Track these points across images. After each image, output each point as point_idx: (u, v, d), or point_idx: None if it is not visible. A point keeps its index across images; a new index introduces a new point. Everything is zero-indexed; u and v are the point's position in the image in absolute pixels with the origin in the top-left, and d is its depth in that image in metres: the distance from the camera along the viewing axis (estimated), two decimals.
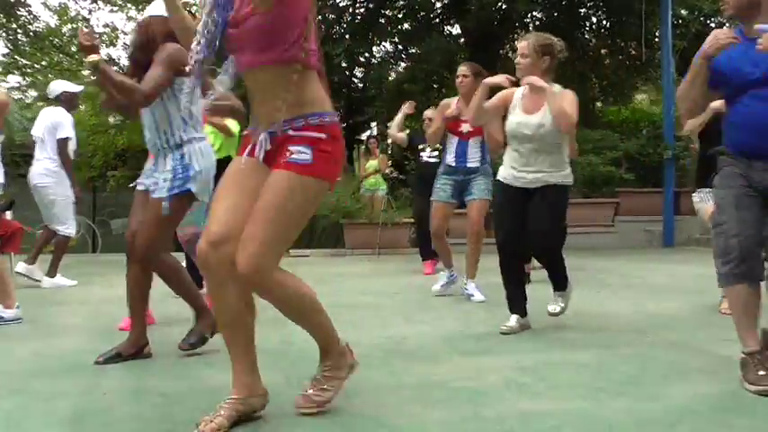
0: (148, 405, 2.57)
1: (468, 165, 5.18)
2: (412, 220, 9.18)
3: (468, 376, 2.96)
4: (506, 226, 3.89)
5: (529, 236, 3.85)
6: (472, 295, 5.07)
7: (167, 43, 3.19)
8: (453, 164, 5.21)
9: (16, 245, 6.75)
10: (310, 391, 2.48)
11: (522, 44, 3.90)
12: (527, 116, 3.87)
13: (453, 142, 5.23)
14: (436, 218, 5.26)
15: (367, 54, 16.44)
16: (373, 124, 17.45)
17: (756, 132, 2.78)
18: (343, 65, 15.48)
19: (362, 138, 17.43)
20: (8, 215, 7.15)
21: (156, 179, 3.30)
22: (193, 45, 2.32)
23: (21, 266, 6.23)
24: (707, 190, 4.65)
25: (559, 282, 4.05)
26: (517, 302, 3.95)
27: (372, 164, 11.35)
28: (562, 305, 4.06)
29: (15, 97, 17.78)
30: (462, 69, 5.22)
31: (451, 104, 5.26)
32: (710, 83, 2.85)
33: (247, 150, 2.39)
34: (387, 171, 11.28)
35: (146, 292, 3.32)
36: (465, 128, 5.16)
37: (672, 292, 5.14)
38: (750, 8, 2.73)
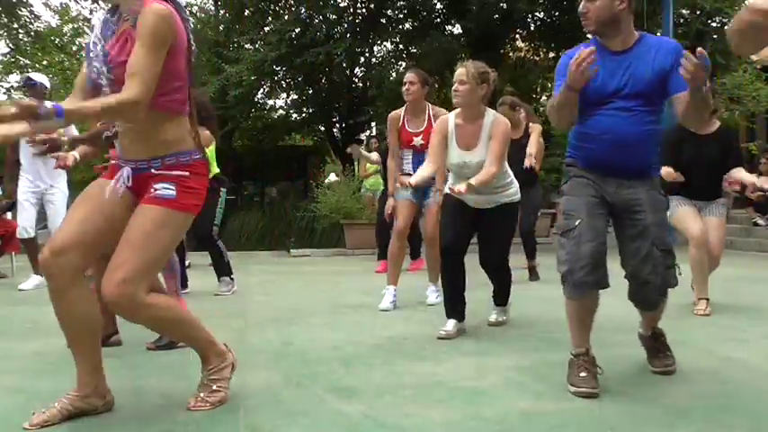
0: (148, 405, 2.57)
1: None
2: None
3: (468, 376, 2.96)
4: (451, 232, 3.90)
5: (482, 254, 4.01)
6: (428, 297, 5.07)
7: None
8: (411, 173, 4.93)
9: (17, 245, 6.74)
10: (202, 395, 2.55)
11: (460, 71, 3.88)
12: (466, 153, 3.88)
13: (409, 154, 5.08)
14: (401, 215, 5.03)
15: (368, 54, 16.45)
16: (373, 124, 17.46)
17: (615, 148, 2.78)
18: (344, 65, 15.50)
19: (362, 138, 17.45)
20: (9, 216, 7.16)
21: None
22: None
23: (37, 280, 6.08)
24: (680, 197, 4.84)
25: (503, 297, 4.20)
26: (454, 307, 3.95)
27: (372, 164, 11.35)
28: (504, 318, 4.21)
29: (16, 96, 17.78)
30: (409, 77, 5.02)
31: (400, 116, 5.10)
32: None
33: (114, 179, 2.52)
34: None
35: None
36: (418, 141, 4.99)
37: (672, 292, 5.12)
38: (612, 24, 2.78)
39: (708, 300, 4.69)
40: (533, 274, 6.45)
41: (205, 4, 20.66)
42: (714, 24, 13.62)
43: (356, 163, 12.05)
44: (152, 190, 2.42)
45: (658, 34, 12.63)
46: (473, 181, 3.62)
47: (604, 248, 2.77)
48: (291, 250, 10.03)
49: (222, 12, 18.79)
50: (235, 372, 2.68)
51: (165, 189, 2.42)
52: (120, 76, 2.30)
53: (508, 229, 4.06)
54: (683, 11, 13.14)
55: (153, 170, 2.45)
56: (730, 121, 12.18)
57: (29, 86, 6.01)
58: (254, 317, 4.55)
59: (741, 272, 6.86)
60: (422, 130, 4.96)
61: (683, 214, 4.82)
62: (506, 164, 3.98)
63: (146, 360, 3.28)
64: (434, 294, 5.10)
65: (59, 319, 2.43)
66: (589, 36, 2.94)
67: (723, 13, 12.88)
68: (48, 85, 6.13)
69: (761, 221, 10.37)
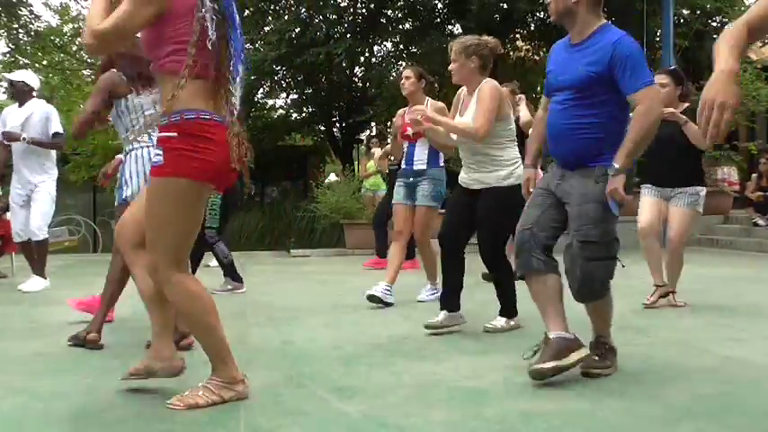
0: (148, 405, 2.57)
1: (415, 167, 5.09)
2: None
3: (469, 376, 2.96)
4: (447, 221, 4.00)
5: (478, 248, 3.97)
6: (420, 294, 5.16)
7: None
8: (404, 166, 5.17)
9: (16, 245, 6.73)
10: (186, 393, 2.53)
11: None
12: (459, 119, 3.98)
13: (404, 146, 5.18)
14: (397, 219, 5.16)
15: (368, 54, 16.43)
16: (373, 124, 17.45)
17: (551, 139, 3.01)
18: (344, 65, 15.49)
19: (362, 138, 17.45)
20: (8, 216, 7.15)
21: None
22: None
23: (40, 283, 6.06)
24: (646, 186, 4.88)
25: (505, 305, 4.04)
26: (446, 298, 3.98)
27: (372, 164, 11.37)
28: (502, 326, 3.98)
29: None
30: (405, 72, 5.17)
31: (404, 111, 5.16)
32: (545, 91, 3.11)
33: None
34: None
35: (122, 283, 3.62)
36: (410, 130, 5.00)
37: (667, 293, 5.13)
38: (567, 15, 2.91)
39: (660, 286, 4.71)
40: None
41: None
42: (714, 24, 13.62)
43: (356, 163, 12.06)
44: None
45: (658, 34, 12.63)
46: (436, 116, 3.88)
47: (528, 233, 2.90)
48: (291, 250, 10.03)
49: None
50: (234, 399, 2.57)
51: (156, 156, 2.41)
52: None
53: (496, 216, 3.82)
54: (683, 11, 13.14)
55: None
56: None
57: (10, 86, 6.07)
58: (254, 317, 4.55)
59: (741, 272, 6.86)
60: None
61: (642, 204, 4.86)
62: (505, 143, 3.94)
63: None
64: (427, 292, 5.15)
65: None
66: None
67: (723, 13, 12.88)
68: (33, 83, 6.09)
69: (761, 221, 10.37)
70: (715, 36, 13.41)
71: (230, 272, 5.71)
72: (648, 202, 4.80)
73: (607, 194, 2.78)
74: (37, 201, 6.04)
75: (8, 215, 7.13)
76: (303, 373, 3.02)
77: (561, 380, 2.87)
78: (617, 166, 2.77)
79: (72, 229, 11.78)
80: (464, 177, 4.01)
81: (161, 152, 2.38)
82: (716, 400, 2.58)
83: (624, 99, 2.82)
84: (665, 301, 4.72)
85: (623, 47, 2.78)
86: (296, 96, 17.98)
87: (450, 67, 4.00)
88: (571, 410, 2.48)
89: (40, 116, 5.95)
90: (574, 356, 2.81)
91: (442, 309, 3.94)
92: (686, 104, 4.71)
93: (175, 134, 2.37)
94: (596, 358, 2.95)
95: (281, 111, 19.85)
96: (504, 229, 3.93)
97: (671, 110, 4.45)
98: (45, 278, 6.10)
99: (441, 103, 5.02)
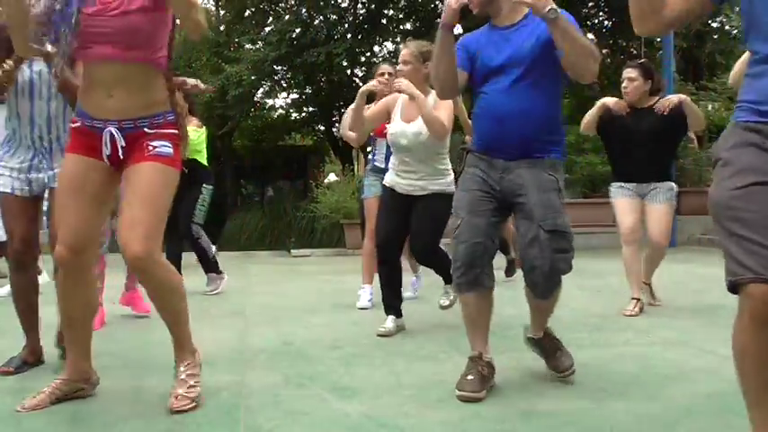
0: (148, 405, 2.57)
1: (376, 163, 5.09)
2: None
3: None
4: (384, 229, 3.97)
5: (411, 243, 4.01)
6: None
7: None
8: (381, 165, 4.98)
9: None
10: (180, 391, 2.52)
11: (404, 51, 3.98)
12: (405, 125, 3.89)
13: (382, 144, 5.05)
14: (371, 215, 4.90)
15: (368, 54, 16.43)
16: None
17: (496, 124, 2.71)
18: (344, 64, 15.49)
19: None
20: None
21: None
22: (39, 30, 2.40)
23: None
24: (617, 184, 4.69)
25: (445, 276, 4.10)
26: (391, 304, 4.02)
27: None
28: (451, 298, 4.19)
29: None
30: (384, 68, 5.01)
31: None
32: (466, 68, 2.82)
33: (77, 147, 2.50)
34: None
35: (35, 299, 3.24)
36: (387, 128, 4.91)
37: (672, 291, 5.15)
38: (490, 3, 2.82)
39: (638, 300, 4.51)
40: (509, 270, 6.13)
41: (205, 3, 20.66)
42: (714, 25, 13.63)
43: (356, 163, 12.06)
44: (149, 147, 2.44)
45: None
46: (413, 91, 3.66)
47: (480, 248, 2.69)
48: (291, 250, 10.03)
49: (223, 12, 18.79)
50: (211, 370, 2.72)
51: (164, 147, 2.46)
52: (131, 23, 2.36)
53: (438, 219, 3.79)
54: None
55: (146, 129, 2.47)
56: (730, 120, 12.19)
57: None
58: (254, 317, 4.55)
59: None
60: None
61: (618, 206, 4.63)
62: (447, 154, 4.00)
63: (146, 360, 3.28)
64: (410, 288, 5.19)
65: (65, 306, 2.55)
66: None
67: (723, 14, 12.89)
68: None
69: None
70: (715, 36, 13.47)
71: (213, 267, 5.67)
72: (626, 203, 4.59)
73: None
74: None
75: None
76: (303, 373, 3.02)
77: (561, 380, 2.87)
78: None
79: None
80: (401, 183, 3.94)
81: (170, 145, 2.48)
82: (716, 400, 2.58)
83: (559, 79, 2.75)
84: (645, 300, 4.65)
85: (567, 16, 2.66)
86: (296, 96, 17.98)
87: (399, 68, 3.97)
88: (571, 410, 2.48)
89: None
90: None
91: (388, 314, 3.99)
92: (656, 98, 4.54)
93: (176, 132, 2.54)
94: (567, 351, 2.91)
95: (281, 111, 19.87)
96: (442, 232, 3.91)
97: (667, 102, 4.37)
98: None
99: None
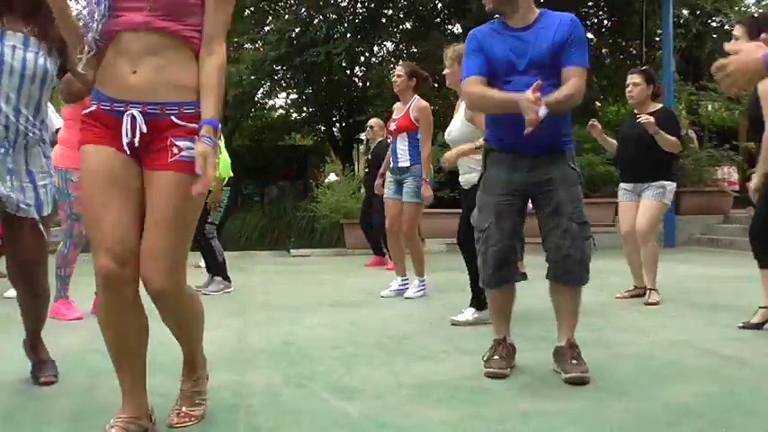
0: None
1: (399, 164, 5.21)
2: None
3: (468, 376, 2.95)
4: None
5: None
6: (408, 290, 5.24)
7: None
8: (392, 163, 5.35)
9: None
10: (184, 409, 2.36)
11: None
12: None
13: (392, 142, 5.39)
14: (387, 215, 5.36)
15: (368, 53, 16.44)
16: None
17: (518, 123, 2.74)
18: (344, 64, 15.51)
19: (362, 138, 17.44)
20: None
21: (17, 182, 2.62)
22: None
23: None
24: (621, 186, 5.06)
25: (477, 295, 4.12)
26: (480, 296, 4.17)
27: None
28: (468, 318, 4.19)
29: None
30: (397, 69, 5.38)
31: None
32: (484, 72, 2.89)
33: (92, 136, 2.10)
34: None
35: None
36: (392, 125, 5.32)
37: (672, 291, 5.14)
38: (508, 2, 2.90)
39: (637, 287, 4.99)
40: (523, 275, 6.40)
41: None
42: (714, 25, 13.63)
43: (356, 163, 12.06)
44: (174, 150, 2.03)
45: (658, 34, 12.64)
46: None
47: (509, 249, 2.91)
48: (291, 250, 10.03)
49: None
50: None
51: (189, 150, 2.03)
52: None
53: (464, 211, 4.10)
54: (683, 11, 13.15)
55: (174, 118, 2.05)
56: (730, 121, 12.18)
57: None
58: (253, 317, 4.55)
59: (741, 272, 6.84)
60: (398, 116, 5.27)
61: (620, 208, 5.08)
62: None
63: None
64: (415, 288, 5.23)
65: (114, 336, 2.14)
66: (496, 16, 3.02)
67: (722, 14, 12.89)
68: None
69: None
70: (714, 36, 13.46)
71: (222, 270, 5.68)
72: (626, 207, 4.99)
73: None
74: None
75: None
76: (303, 373, 3.02)
77: (561, 380, 2.87)
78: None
79: None
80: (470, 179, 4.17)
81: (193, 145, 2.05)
82: (716, 400, 2.58)
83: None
84: (641, 299, 4.88)
85: (580, 27, 2.90)
86: (296, 96, 18.00)
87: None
88: (571, 410, 2.48)
89: None
90: None
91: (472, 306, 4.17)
92: (659, 105, 4.94)
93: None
94: (574, 362, 2.89)
95: (281, 111, 19.87)
96: None
97: (646, 117, 4.65)
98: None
99: (424, 102, 5.26)
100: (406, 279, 5.40)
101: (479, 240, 2.96)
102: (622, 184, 5.03)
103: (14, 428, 2.34)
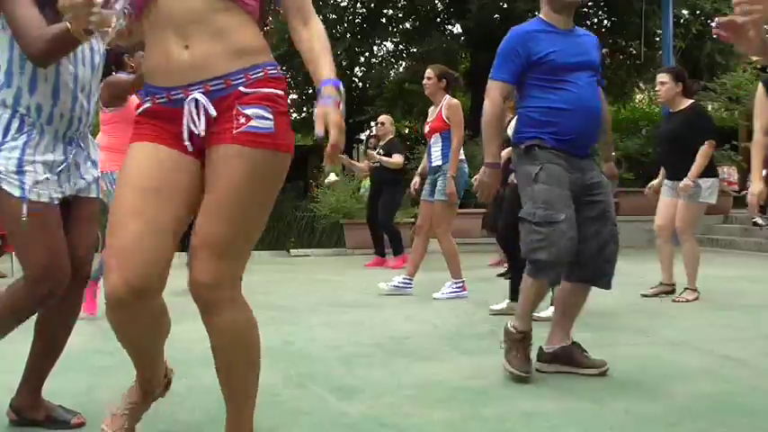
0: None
1: (432, 163, 5.32)
2: (412, 220, 9.23)
3: (469, 376, 2.96)
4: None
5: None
6: (440, 290, 5.22)
7: None
8: (427, 163, 5.47)
9: None
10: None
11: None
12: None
13: (428, 145, 5.46)
14: (420, 215, 5.48)
15: (368, 53, 16.43)
16: (373, 124, 17.43)
17: (586, 118, 2.90)
18: (344, 64, 15.49)
19: (362, 138, 17.44)
20: None
21: (88, 174, 2.31)
22: None
23: None
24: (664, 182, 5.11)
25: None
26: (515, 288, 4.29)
27: (363, 171, 11.38)
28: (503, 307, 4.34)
29: None
30: (427, 72, 5.44)
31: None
32: (515, 81, 2.97)
33: (146, 134, 1.76)
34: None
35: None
36: (427, 128, 5.44)
37: (672, 291, 5.14)
38: (572, 6, 3.01)
39: (664, 284, 5.12)
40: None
41: None
42: (713, 25, 13.61)
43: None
44: (240, 119, 1.68)
45: (658, 34, 12.64)
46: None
47: (573, 245, 2.84)
48: (291, 250, 10.02)
49: None
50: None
51: (260, 119, 1.69)
52: None
53: (507, 207, 4.42)
54: (683, 11, 13.15)
55: (242, 88, 1.71)
56: (730, 121, 12.18)
57: None
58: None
59: (741, 272, 6.86)
60: (431, 119, 5.37)
61: (659, 202, 5.15)
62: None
63: None
64: (447, 289, 5.20)
65: (131, 349, 1.96)
66: (537, 15, 3.11)
67: (722, 14, 12.87)
68: None
69: (761, 221, 10.35)
70: (714, 36, 13.44)
71: None
72: (664, 202, 5.07)
73: None
74: None
75: None
76: (303, 373, 3.02)
77: (561, 380, 2.87)
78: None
79: None
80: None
81: (270, 115, 1.72)
82: (716, 400, 2.58)
83: None
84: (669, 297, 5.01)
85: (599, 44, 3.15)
86: (296, 96, 17.97)
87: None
88: (571, 410, 2.48)
89: None
90: None
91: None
92: (690, 101, 4.95)
93: (282, 92, 1.81)
94: (587, 353, 3.02)
95: None
96: None
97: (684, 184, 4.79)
98: None
99: (455, 101, 5.34)
100: (410, 280, 5.39)
101: (543, 234, 2.81)
102: (666, 180, 5.09)
103: (14, 428, 2.34)
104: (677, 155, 4.88)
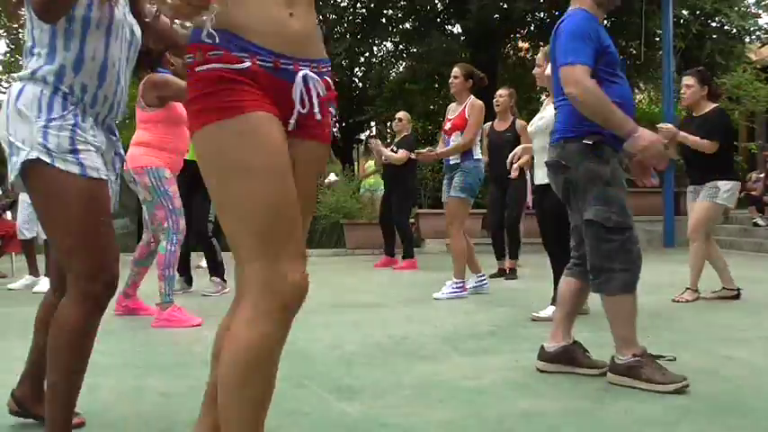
0: (148, 405, 2.57)
1: (451, 161, 5.34)
2: (412, 220, 9.24)
3: (468, 376, 2.95)
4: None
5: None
6: (441, 290, 5.21)
7: None
8: (444, 161, 5.48)
9: (17, 245, 6.74)
10: None
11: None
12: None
13: (445, 140, 5.47)
14: (446, 214, 5.41)
15: (368, 53, 16.44)
16: (373, 124, 17.45)
17: (632, 114, 2.76)
18: (344, 64, 15.50)
19: (362, 138, 17.46)
20: (8, 215, 7.16)
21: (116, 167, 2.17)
22: None
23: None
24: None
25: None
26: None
27: (372, 164, 11.40)
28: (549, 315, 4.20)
29: None
30: (454, 71, 5.47)
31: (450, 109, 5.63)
32: (593, 65, 2.72)
33: (256, 101, 1.43)
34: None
35: None
36: (447, 125, 5.45)
37: (672, 292, 5.14)
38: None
39: (691, 290, 5.01)
40: (512, 273, 6.51)
41: None
42: (713, 25, 13.63)
43: (356, 163, 12.06)
44: (329, 118, 1.57)
45: (658, 34, 12.63)
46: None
47: None
48: None
49: None
50: None
51: (331, 117, 1.61)
52: None
53: (546, 209, 4.39)
54: (683, 11, 13.15)
55: (328, 78, 1.57)
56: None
57: None
58: None
59: (741, 272, 6.84)
60: (453, 116, 5.42)
61: (689, 212, 5.08)
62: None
63: (146, 360, 3.28)
64: (448, 288, 5.16)
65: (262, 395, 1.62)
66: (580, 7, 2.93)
67: (722, 14, 12.88)
68: None
69: (761, 221, 10.36)
70: (714, 36, 13.46)
71: (222, 271, 5.66)
72: (690, 206, 5.04)
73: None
74: None
75: (8, 215, 7.15)
76: (303, 374, 3.02)
77: (561, 380, 2.87)
78: None
79: None
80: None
81: (333, 110, 1.65)
82: (716, 400, 2.58)
83: None
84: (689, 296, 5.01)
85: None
86: None
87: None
88: (571, 410, 2.48)
89: None
90: None
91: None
92: (714, 104, 4.92)
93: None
94: (588, 353, 3.05)
95: None
96: None
97: (672, 130, 4.77)
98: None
99: (479, 102, 5.37)
100: (461, 283, 5.25)
101: (618, 242, 2.73)
102: (689, 186, 5.09)
103: (14, 428, 2.34)
104: (699, 159, 4.83)
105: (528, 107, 12.87)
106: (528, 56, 15.78)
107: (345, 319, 4.40)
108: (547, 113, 4.28)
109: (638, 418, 2.38)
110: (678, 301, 4.86)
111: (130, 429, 2.33)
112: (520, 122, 6.41)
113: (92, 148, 1.94)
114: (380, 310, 4.77)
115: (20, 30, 17.53)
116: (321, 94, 1.51)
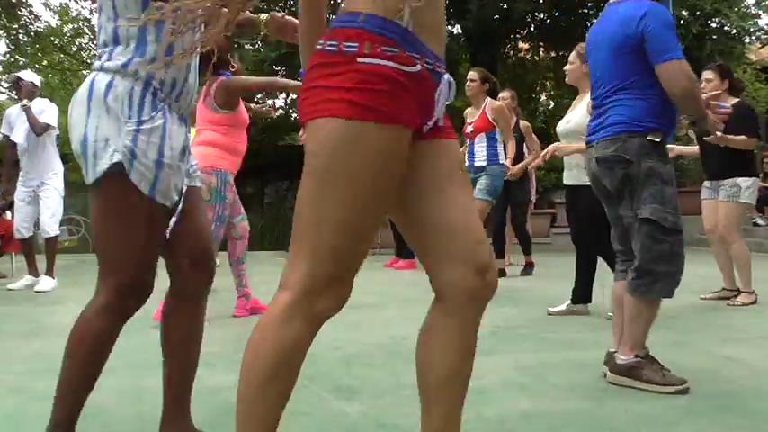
0: (148, 405, 2.57)
1: (475, 163, 5.45)
2: None
3: None
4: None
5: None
6: None
7: None
8: (467, 163, 5.51)
9: (17, 245, 6.74)
10: None
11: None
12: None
13: (467, 143, 5.57)
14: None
15: None
16: None
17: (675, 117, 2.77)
18: None
19: None
20: (8, 215, 7.15)
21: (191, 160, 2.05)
22: None
23: (50, 282, 6.09)
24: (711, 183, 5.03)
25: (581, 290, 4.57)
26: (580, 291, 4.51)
27: None
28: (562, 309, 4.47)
29: (13, 96, 17.73)
30: (471, 74, 5.59)
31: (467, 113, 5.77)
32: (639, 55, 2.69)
33: (400, 109, 1.33)
34: None
35: None
36: (469, 128, 5.52)
37: (735, 297, 5.14)
38: None
39: (726, 289, 5.02)
40: (529, 268, 6.58)
41: None
42: (713, 25, 13.62)
43: None
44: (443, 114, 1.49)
45: None
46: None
47: None
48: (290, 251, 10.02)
49: None
50: None
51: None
52: None
53: (579, 210, 4.48)
54: (683, 12, 13.14)
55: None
56: None
57: (17, 85, 6.07)
58: (254, 317, 4.55)
59: None
60: (473, 120, 5.51)
61: (702, 206, 5.05)
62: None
63: (146, 360, 3.28)
64: None
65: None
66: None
67: (722, 15, 12.88)
68: (38, 82, 6.14)
69: (761, 221, 10.36)
70: (714, 37, 13.46)
71: None
72: (705, 205, 5.00)
73: None
74: (45, 198, 6.07)
75: (8, 215, 7.14)
76: (303, 374, 2.99)
77: (561, 380, 2.87)
78: None
79: (72, 229, 11.78)
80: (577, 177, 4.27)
81: None
82: (716, 400, 2.58)
83: None
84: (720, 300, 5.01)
85: None
86: (296, 97, 17.97)
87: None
88: (571, 410, 2.48)
89: (37, 111, 5.99)
90: None
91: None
92: (736, 99, 4.82)
93: None
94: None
95: (281, 111, 19.87)
96: None
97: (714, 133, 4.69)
98: (53, 278, 6.13)
99: (498, 103, 5.43)
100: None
101: (669, 243, 2.67)
102: (705, 182, 5.03)
103: (14, 428, 2.34)
104: (719, 155, 4.75)
105: (528, 107, 12.87)
106: (528, 56, 15.78)
107: (345, 320, 4.38)
108: (574, 116, 4.18)
109: (638, 419, 2.38)
110: (734, 305, 4.79)
111: (130, 429, 2.33)
112: (524, 123, 6.45)
113: (175, 162, 1.82)
114: (381, 310, 4.77)
115: (20, 30, 17.52)
116: (450, 99, 1.45)
